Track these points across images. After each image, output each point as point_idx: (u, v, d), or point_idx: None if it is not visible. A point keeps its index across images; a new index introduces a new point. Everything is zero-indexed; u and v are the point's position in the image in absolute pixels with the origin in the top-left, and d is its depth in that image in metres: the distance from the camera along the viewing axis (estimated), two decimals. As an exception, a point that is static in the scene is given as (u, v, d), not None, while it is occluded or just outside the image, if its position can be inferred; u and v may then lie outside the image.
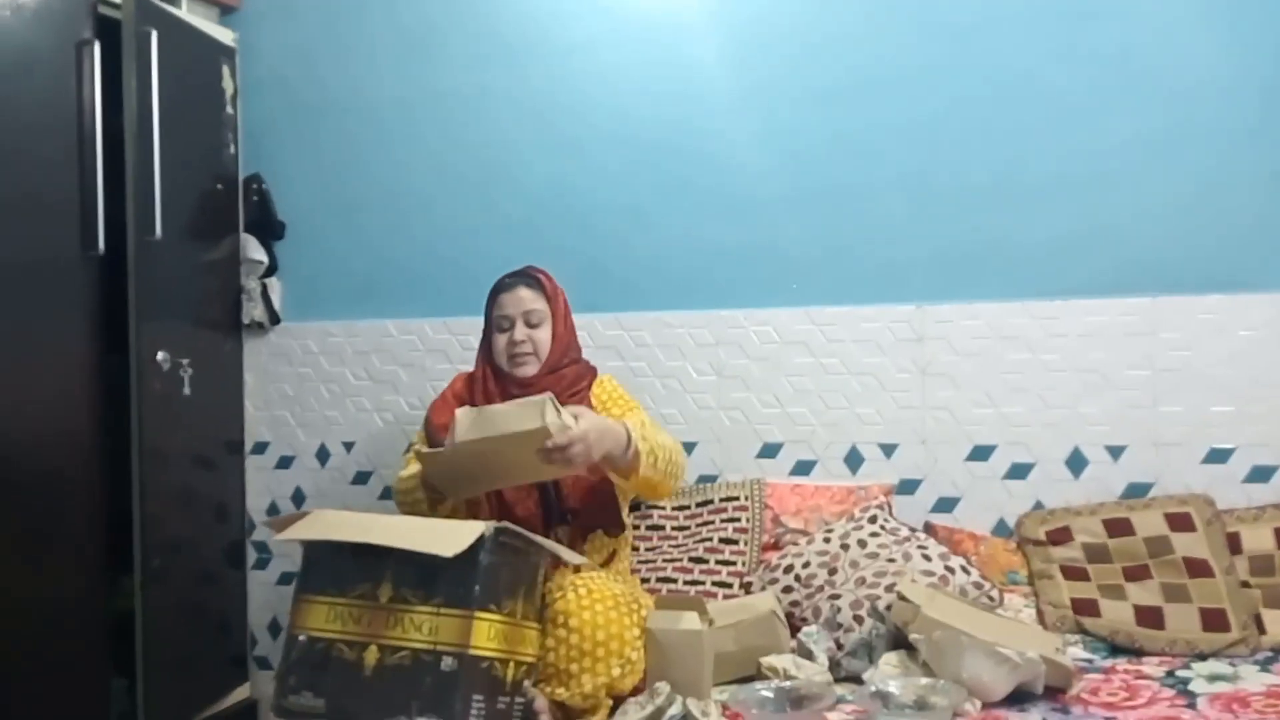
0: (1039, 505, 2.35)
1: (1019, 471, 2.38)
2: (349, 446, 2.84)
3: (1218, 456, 2.27)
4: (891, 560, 2.11)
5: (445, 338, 2.75)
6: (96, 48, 2.35)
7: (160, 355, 2.50)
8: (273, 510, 2.89)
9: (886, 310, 2.46)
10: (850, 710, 1.76)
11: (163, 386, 2.52)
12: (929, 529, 2.35)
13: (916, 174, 2.45)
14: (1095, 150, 2.35)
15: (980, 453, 2.40)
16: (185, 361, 2.59)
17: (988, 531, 2.36)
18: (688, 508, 2.45)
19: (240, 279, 2.86)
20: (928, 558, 2.12)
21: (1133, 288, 2.33)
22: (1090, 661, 1.99)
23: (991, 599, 2.08)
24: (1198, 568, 2.08)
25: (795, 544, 2.29)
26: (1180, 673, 1.91)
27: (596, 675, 1.84)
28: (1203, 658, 1.98)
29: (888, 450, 2.46)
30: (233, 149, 2.84)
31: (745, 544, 2.34)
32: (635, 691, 1.86)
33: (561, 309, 2.25)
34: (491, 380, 2.21)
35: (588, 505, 2.13)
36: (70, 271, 2.33)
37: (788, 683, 1.79)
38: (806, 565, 2.18)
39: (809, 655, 1.96)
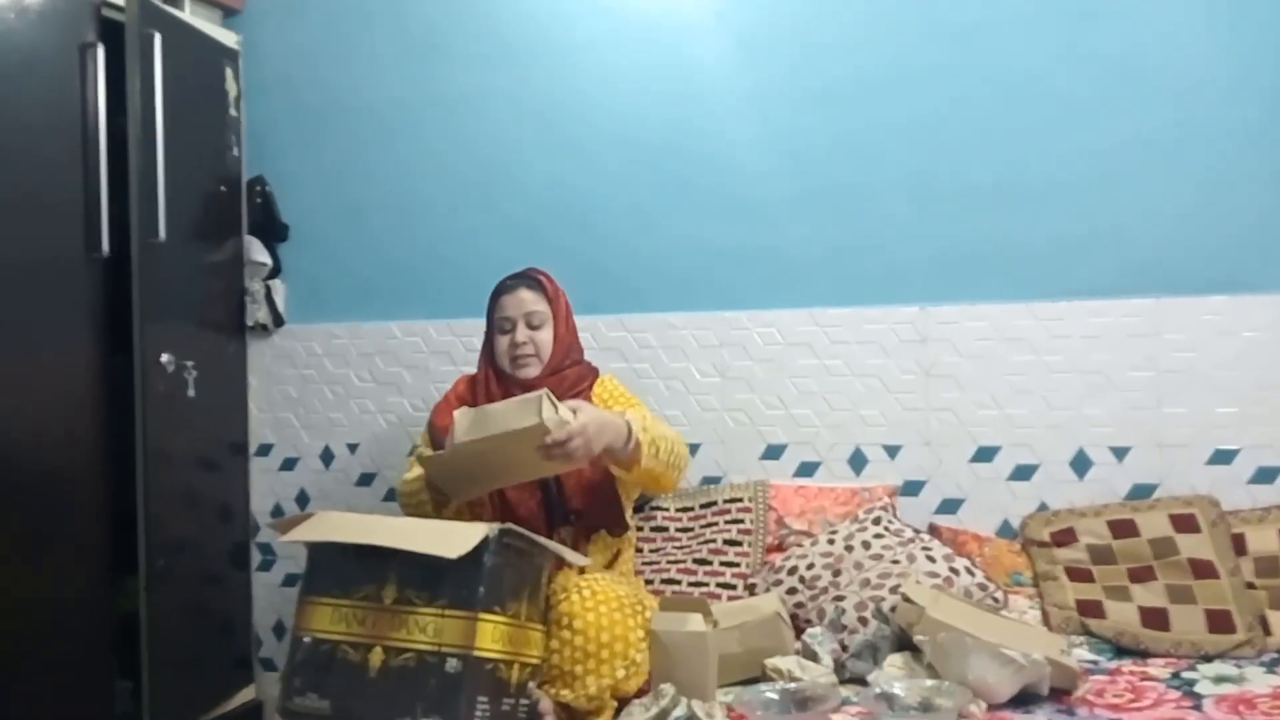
0: (1043, 506, 2.34)
1: (1023, 473, 2.38)
2: (353, 448, 2.84)
3: (1222, 458, 2.27)
4: (896, 562, 2.11)
5: (449, 339, 2.75)
6: (100, 50, 2.36)
7: (164, 357, 2.50)
8: (277, 512, 2.89)
9: (890, 312, 2.46)
10: (855, 712, 1.76)
11: (167, 388, 2.52)
12: (933, 530, 2.35)
13: (919, 175, 2.45)
14: (1098, 151, 2.35)
15: (984, 454, 2.40)
16: (189, 363, 2.59)
17: (992, 533, 2.36)
18: (692, 509, 2.45)
19: (244, 281, 2.86)
20: (932, 559, 2.12)
21: (1136, 289, 2.33)
22: (1095, 663, 1.99)
23: (996, 600, 2.08)
24: (1203, 569, 2.08)
25: (799, 545, 2.28)
26: (1186, 674, 1.91)
27: (601, 677, 1.84)
28: (1208, 659, 1.98)
29: (892, 452, 2.46)
30: (236, 151, 2.84)
31: (749, 545, 2.34)
32: (640, 693, 1.86)
33: (563, 310, 2.25)
34: (494, 382, 2.21)
35: (590, 505, 2.13)
36: (74, 273, 2.34)
37: (792, 684, 1.79)
38: (811, 567, 2.18)
39: (813, 657, 1.96)
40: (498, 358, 2.23)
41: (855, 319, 2.48)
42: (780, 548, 2.34)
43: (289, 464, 2.90)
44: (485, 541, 1.72)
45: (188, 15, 2.71)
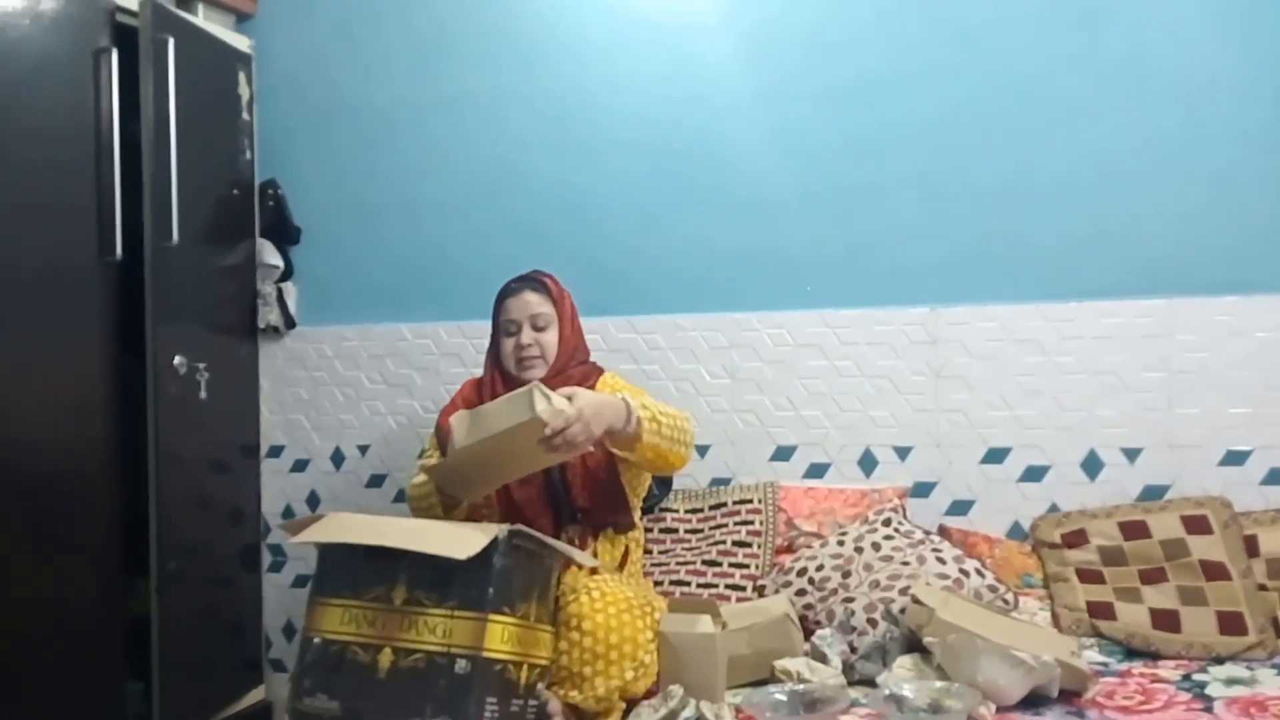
0: (1054, 508, 2.34)
1: (1034, 474, 2.37)
2: (364, 450, 2.85)
3: (1234, 459, 2.26)
4: (906, 563, 2.11)
5: (459, 341, 2.76)
6: (114, 55, 2.38)
7: (177, 359, 2.51)
8: (288, 513, 2.90)
9: (900, 313, 2.46)
10: (864, 714, 1.75)
11: (179, 390, 2.53)
12: (943, 532, 2.35)
13: (929, 175, 2.45)
14: (1109, 151, 2.35)
15: (995, 455, 2.40)
16: (201, 365, 2.60)
17: (1002, 534, 2.35)
18: (701, 510, 2.45)
19: (256, 283, 2.88)
20: (942, 561, 2.11)
21: (1148, 289, 2.32)
22: (1106, 665, 1.98)
23: (1006, 602, 2.07)
24: (1214, 570, 2.07)
25: (809, 547, 2.28)
26: (1197, 676, 1.90)
27: (610, 678, 1.84)
28: (1220, 661, 1.96)
29: (902, 453, 2.45)
30: (248, 154, 2.86)
31: (759, 547, 2.34)
32: (649, 694, 1.86)
33: (568, 312, 2.25)
34: (500, 384, 2.21)
35: (596, 502, 2.12)
36: (88, 276, 2.35)
37: (801, 686, 1.79)
38: (820, 568, 2.18)
39: (823, 658, 1.95)
40: (503, 360, 2.23)
41: (865, 320, 2.48)
42: (790, 549, 2.34)
43: (300, 465, 2.91)
44: (495, 543, 1.72)
45: (201, 20, 2.72)
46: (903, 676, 1.83)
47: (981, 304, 2.41)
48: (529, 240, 2.68)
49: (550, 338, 2.21)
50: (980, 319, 2.41)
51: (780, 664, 1.92)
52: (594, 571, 2.02)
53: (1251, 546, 2.11)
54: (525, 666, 1.77)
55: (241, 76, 2.83)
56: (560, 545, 1.90)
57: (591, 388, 2.21)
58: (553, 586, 1.90)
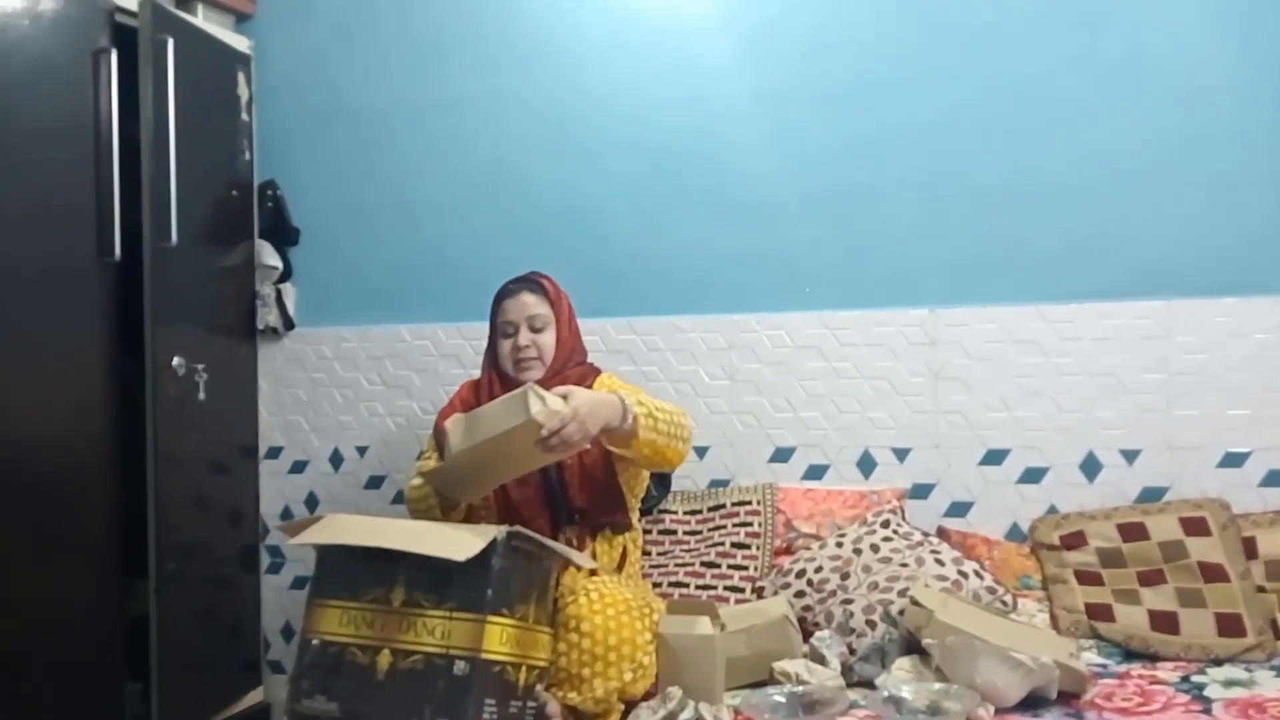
0: (1053, 509, 2.34)
1: (1033, 476, 2.37)
2: (362, 451, 2.85)
3: (1233, 460, 2.26)
4: (904, 565, 2.11)
5: (458, 342, 2.76)
6: (113, 56, 2.38)
7: (175, 360, 2.51)
8: (286, 515, 2.90)
9: (899, 314, 2.46)
10: (863, 715, 1.75)
11: (178, 391, 2.53)
12: (942, 533, 2.35)
13: (929, 177, 2.45)
14: (1109, 153, 2.35)
15: (994, 457, 2.40)
16: (200, 366, 2.60)
17: (1001, 536, 2.35)
18: (700, 512, 2.45)
19: (255, 284, 2.88)
20: (941, 562, 2.11)
21: (1147, 291, 2.32)
22: (1104, 667, 1.98)
23: (1005, 604, 2.07)
24: (1213, 572, 2.07)
25: (808, 548, 2.28)
26: (1195, 678, 1.90)
27: (609, 680, 1.84)
28: (1218, 663, 1.96)
29: (900, 454, 2.45)
30: (248, 155, 2.86)
31: (757, 548, 2.34)
32: (647, 696, 1.85)
33: (565, 313, 2.25)
34: (498, 386, 2.21)
35: (594, 502, 2.12)
36: (86, 277, 2.35)
37: (800, 688, 1.79)
38: (819, 570, 2.18)
39: (821, 660, 1.95)
40: (501, 361, 2.23)
41: (864, 321, 2.48)
42: (788, 551, 2.34)
43: (298, 467, 2.91)
44: (493, 544, 1.72)
45: (200, 20, 2.73)
46: (901, 678, 1.83)
47: (980, 305, 2.41)
48: (528, 241, 2.68)
49: (548, 339, 2.21)
50: (979, 320, 2.41)
51: (779, 666, 1.92)
52: (593, 573, 2.02)
53: (1250, 548, 2.11)
54: (524, 668, 1.77)
55: (241, 77, 2.83)
56: (559, 547, 1.90)
57: (588, 387, 2.21)
58: (551, 588, 1.90)
